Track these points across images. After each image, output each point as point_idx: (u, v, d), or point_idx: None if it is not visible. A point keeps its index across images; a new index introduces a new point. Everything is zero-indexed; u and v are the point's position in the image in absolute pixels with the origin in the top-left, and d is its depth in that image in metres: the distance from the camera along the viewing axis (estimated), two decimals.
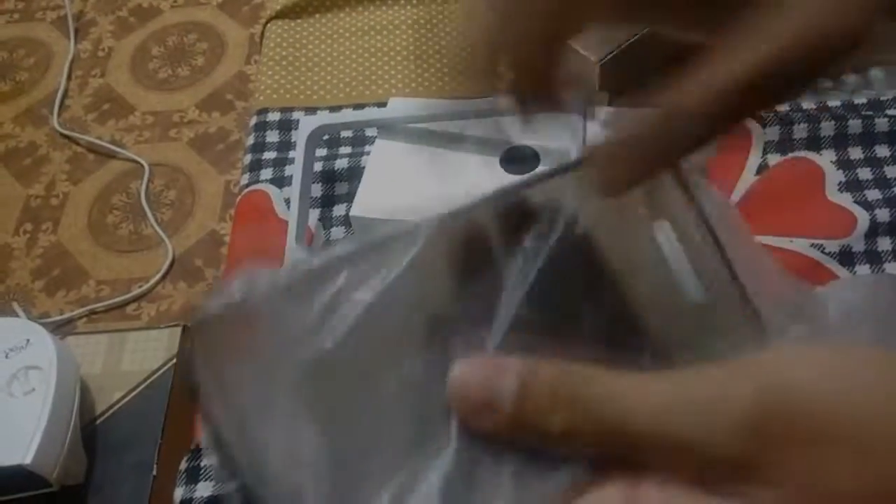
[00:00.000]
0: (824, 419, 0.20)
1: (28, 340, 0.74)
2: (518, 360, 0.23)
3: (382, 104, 0.76)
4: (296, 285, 0.23)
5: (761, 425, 0.20)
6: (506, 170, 0.61)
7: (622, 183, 0.26)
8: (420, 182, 0.59)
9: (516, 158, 0.60)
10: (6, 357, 0.72)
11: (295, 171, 0.61)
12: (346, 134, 0.74)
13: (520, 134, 0.61)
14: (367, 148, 0.72)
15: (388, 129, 0.63)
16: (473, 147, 0.62)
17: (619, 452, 0.22)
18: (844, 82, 0.74)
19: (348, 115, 0.69)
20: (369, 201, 0.58)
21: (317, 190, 0.70)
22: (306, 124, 0.63)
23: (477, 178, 0.59)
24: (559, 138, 0.61)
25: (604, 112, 0.68)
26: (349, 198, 0.70)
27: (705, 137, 0.25)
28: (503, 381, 0.22)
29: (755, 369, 0.21)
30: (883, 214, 0.64)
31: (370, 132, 0.75)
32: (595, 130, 0.65)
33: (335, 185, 0.71)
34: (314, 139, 0.63)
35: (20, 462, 0.65)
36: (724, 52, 0.25)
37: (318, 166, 0.71)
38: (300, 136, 0.63)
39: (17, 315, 1.48)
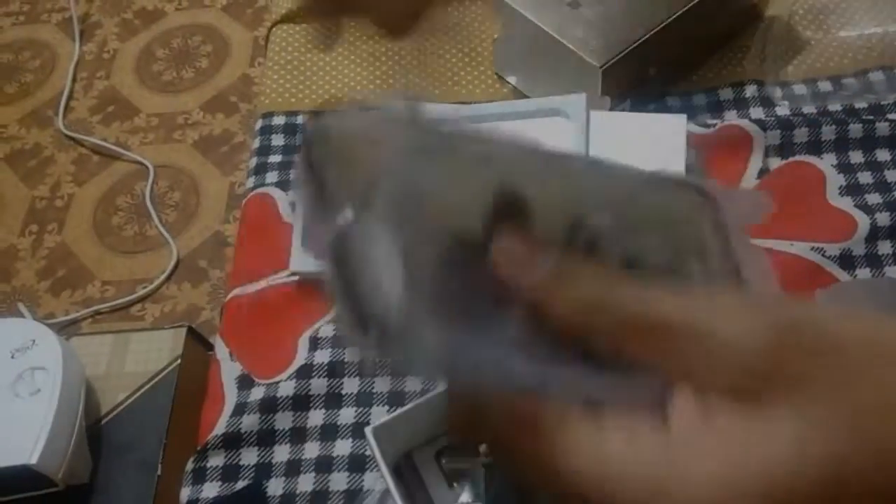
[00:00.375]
0: (844, 335, 0.22)
1: (34, 341, 0.74)
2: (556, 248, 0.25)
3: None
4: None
5: (789, 332, 0.22)
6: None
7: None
8: None
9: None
10: (12, 358, 0.73)
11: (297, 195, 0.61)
12: None
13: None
14: None
15: None
16: None
17: (639, 348, 0.23)
18: (845, 86, 0.74)
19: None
20: None
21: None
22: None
23: None
24: (564, 143, 0.61)
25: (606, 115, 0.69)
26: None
27: None
28: (546, 254, 0.25)
29: (781, 299, 0.24)
30: (883, 218, 0.65)
31: None
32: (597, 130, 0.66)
33: None
34: None
35: (26, 462, 0.65)
36: None
37: None
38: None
39: (22, 316, 1.49)
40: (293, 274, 0.63)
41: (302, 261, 0.56)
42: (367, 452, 0.57)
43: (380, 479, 0.55)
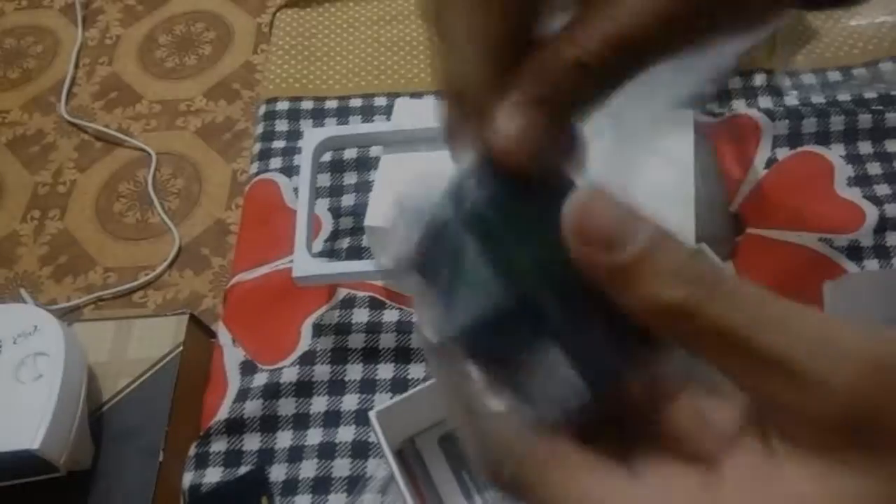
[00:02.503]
0: None
1: (36, 327, 0.74)
2: (653, 220, 0.21)
3: (392, 95, 0.76)
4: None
5: (891, 374, 0.18)
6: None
7: (530, 142, 0.23)
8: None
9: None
10: (14, 343, 0.73)
11: (301, 182, 0.61)
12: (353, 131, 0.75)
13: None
14: (372, 149, 0.72)
15: (392, 145, 0.63)
16: None
17: (725, 362, 0.20)
18: (855, 76, 0.74)
19: (353, 129, 0.69)
20: (382, 210, 0.59)
21: (325, 180, 0.71)
22: (311, 137, 0.63)
23: None
24: None
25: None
26: (358, 188, 0.70)
27: (606, 89, 0.23)
28: (637, 224, 0.20)
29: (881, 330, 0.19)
30: (892, 209, 0.64)
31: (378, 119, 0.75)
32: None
33: (344, 175, 0.71)
34: (319, 152, 0.63)
35: (28, 447, 0.65)
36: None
37: (326, 156, 0.71)
38: (305, 149, 0.62)
39: (24, 301, 1.49)
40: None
41: (304, 266, 0.56)
42: (370, 439, 0.57)
43: (383, 465, 0.55)
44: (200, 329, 0.92)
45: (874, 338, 0.19)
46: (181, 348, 0.86)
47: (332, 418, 0.58)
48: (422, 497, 0.50)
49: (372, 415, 0.46)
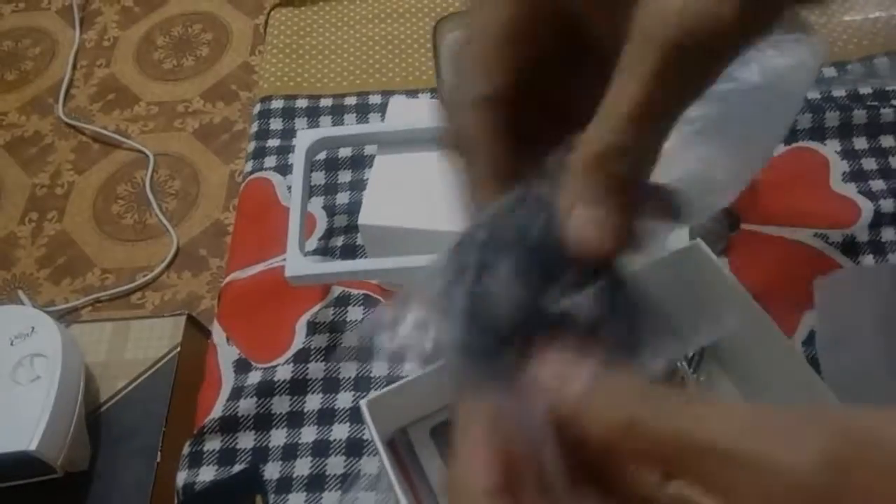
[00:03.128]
0: None
1: (33, 328, 0.74)
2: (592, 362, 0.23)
3: (386, 92, 0.76)
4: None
5: (849, 457, 0.19)
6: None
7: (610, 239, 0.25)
8: (423, 188, 0.59)
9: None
10: (11, 344, 0.73)
11: (294, 183, 0.61)
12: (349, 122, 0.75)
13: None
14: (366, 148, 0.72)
15: (386, 145, 0.63)
16: None
17: (676, 466, 0.21)
18: (849, 72, 0.74)
19: (345, 130, 0.69)
20: (375, 210, 0.59)
21: (319, 178, 0.70)
22: (304, 138, 0.63)
23: None
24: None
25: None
26: (352, 186, 0.70)
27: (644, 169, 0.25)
28: (576, 372, 0.23)
29: (838, 412, 0.20)
30: (887, 205, 0.64)
31: (372, 117, 0.75)
32: None
33: (338, 174, 0.71)
34: (312, 153, 0.63)
35: (25, 448, 0.65)
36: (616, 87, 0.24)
37: (321, 155, 0.71)
38: (298, 150, 0.63)
39: (22, 303, 1.49)
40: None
41: (296, 266, 0.56)
42: (365, 436, 0.57)
43: (375, 462, 0.55)
44: (198, 330, 0.92)
45: (819, 417, 0.20)
46: (179, 349, 0.86)
47: (326, 416, 0.58)
48: (413, 488, 0.50)
49: (363, 404, 0.46)
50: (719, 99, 0.52)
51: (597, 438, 0.22)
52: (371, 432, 0.46)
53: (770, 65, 0.53)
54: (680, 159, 0.53)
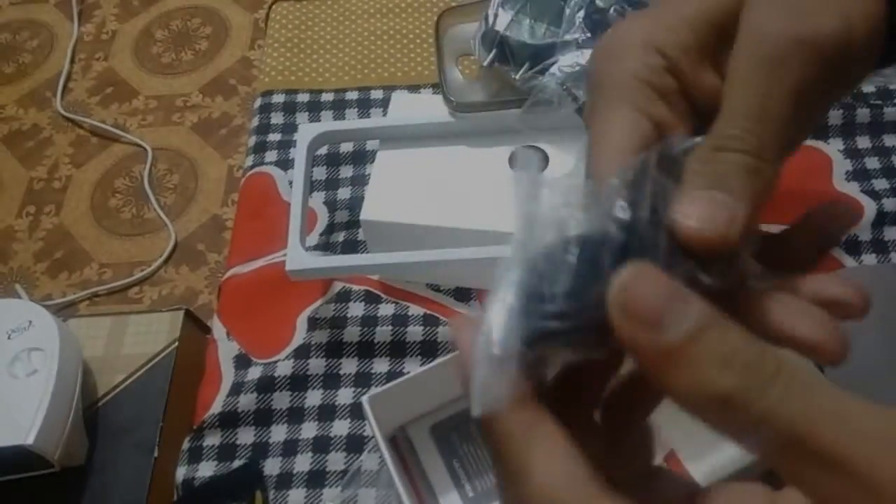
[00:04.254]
0: None
1: (30, 322, 0.73)
2: (704, 302, 0.20)
3: (388, 87, 0.76)
4: None
5: None
6: (513, 170, 0.60)
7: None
8: (425, 184, 0.59)
9: (524, 159, 0.60)
10: (9, 338, 0.72)
11: (295, 178, 0.60)
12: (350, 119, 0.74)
13: (529, 134, 0.61)
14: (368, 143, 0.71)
15: (388, 140, 0.63)
16: (479, 146, 0.61)
17: (777, 458, 0.19)
18: None
19: (347, 125, 0.68)
20: (377, 205, 0.59)
21: (321, 173, 0.70)
22: (305, 133, 0.62)
23: (483, 178, 0.59)
24: (569, 139, 0.60)
25: None
26: (354, 181, 0.70)
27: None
28: (684, 307, 0.19)
29: None
30: (890, 204, 0.64)
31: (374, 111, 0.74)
32: None
33: (340, 169, 0.71)
34: (313, 148, 0.63)
35: (22, 442, 0.65)
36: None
37: (322, 150, 0.70)
38: (299, 145, 0.62)
39: (19, 297, 1.48)
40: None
41: (297, 260, 0.56)
42: (365, 433, 0.57)
43: (374, 458, 0.55)
44: (196, 325, 0.92)
45: None
46: (176, 344, 0.85)
47: (326, 412, 0.58)
48: (413, 485, 0.49)
49: (364, 400, 0.46)
50: None
51: (683, 397, 0.19)
52: (373, 428, 0.46)
53: None
54: None
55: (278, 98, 0.77)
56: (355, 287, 0.63)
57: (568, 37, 0.59)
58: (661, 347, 0.19)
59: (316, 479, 0.55)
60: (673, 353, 0.19)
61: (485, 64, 0.61)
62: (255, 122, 0.75)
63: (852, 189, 0.66)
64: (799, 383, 0.19)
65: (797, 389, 0.19)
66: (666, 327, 0.19)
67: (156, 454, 0.77)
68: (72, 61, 1.91)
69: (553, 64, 0.58)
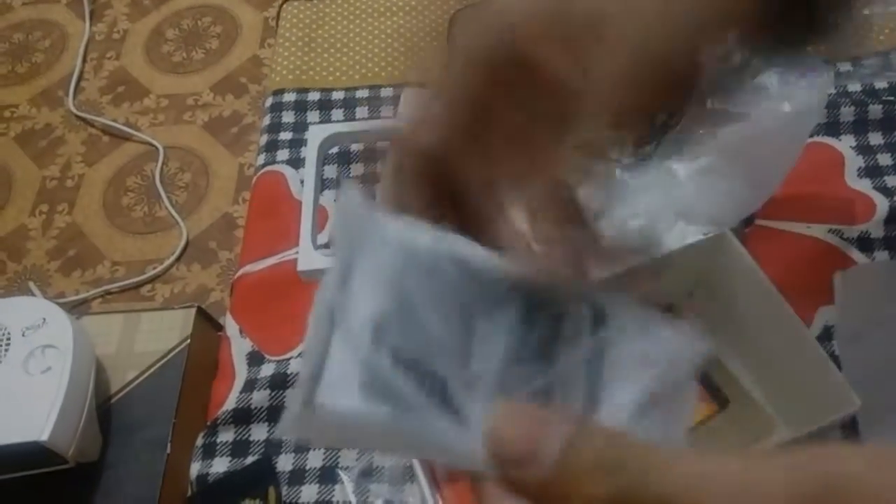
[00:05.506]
0: None
1: (44, 319, 0.74)
2: (564, 417, 0.22)
3: (398, 86, 0.76)
4: None
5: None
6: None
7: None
8: None
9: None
10: (23, 336, 0.73)
11: (306, 178, 0.61)
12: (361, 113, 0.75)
13: None
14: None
15: None
16: None
17: None
18: (865, 66, 0.73)
19: (358, 126, 0.69)
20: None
21: (332, 171, 0.70)
22: (316, 134, 0.63)
23: None
24: None
25: None
26: (365, 180, 0.70)
27: None
28: (548, 439, 0.21)
29: (804, 459, 0.20)
30: None
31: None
32: None
33: (351, 167, 0.71)
34: (324, 148, 0.63)
35: (37, 439, 0.65)
36: None
37: (334, 148, 0.71)
38: (310, 145, 0.62)
39: (33, 294, 1.49)
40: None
41: (309, 260, 0.56)
42: None
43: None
44: (208, 322, 0.92)
45: (787, 463, 0.20)
46: (188, 341, 0.86)
47: None
48: (437, 484, 0.50)
49: None
50: (727, 143, 0.53)
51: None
52: None
53: (780, 111, 0.54)
54: (687, 195, 0.54)
55: (289, 97, 0.77)
56: None
57: None
58: (539, 481, 0.21)
59: (328, 475, 0.56)
60: (551, 481, 0.21)
61: None
62: (267, 120, 0.76)
63: (864, 186, 0.65)
64: (669, 468, 0.20)
65: (668, 474, 0.20)
66: (535, 463, 0.21)
67: (168, 450, 0.77)
68: (84, 60, 1.92)
69: None
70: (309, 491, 0.55)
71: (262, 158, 0.73)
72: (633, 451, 0.21)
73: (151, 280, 1.55)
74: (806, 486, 0.19)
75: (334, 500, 0.54)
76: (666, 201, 0.56)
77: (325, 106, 0.76)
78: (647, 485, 0.20)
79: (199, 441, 0.58)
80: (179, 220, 1.61)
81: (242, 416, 0.58)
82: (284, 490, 0.55)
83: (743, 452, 0.21)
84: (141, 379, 0.82)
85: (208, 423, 0.59)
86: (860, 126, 0.68)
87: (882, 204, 0.64)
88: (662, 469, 0.20)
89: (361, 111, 0.75)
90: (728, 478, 0.20)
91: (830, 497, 0.19)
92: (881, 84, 0.71)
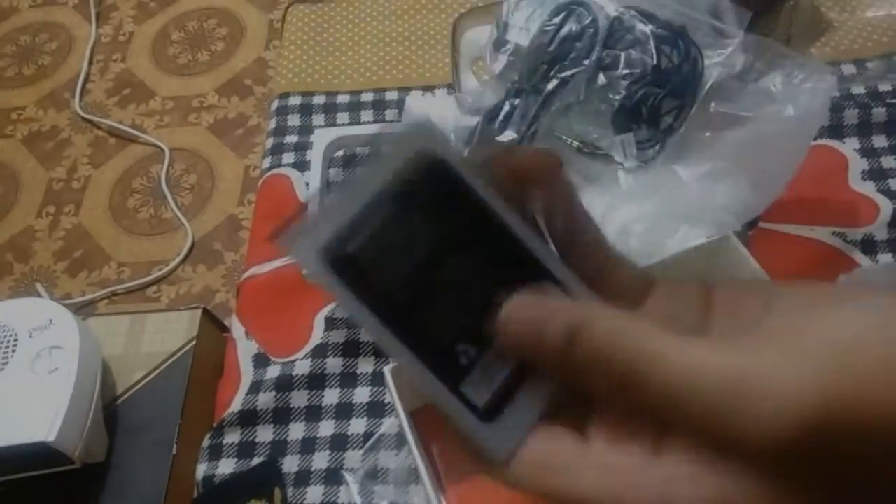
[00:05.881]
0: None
1: (51, 320, 0.74)
2: (570, 305, 0.23)
3: (403, 89, 0.77)
4: None
5: (821, 427, 0.18)
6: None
7: None
8: None
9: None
10: (30, 337, 0.73)
11: (312, 180, 0.61)
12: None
13: None
14: None
15: None
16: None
17: (649, 413, 0.21)
18: (869, 68, 0.73)
19: (363, 129, 0.69)
20: None
21: (337, 174, 0.71)
22: (321, 138, 0.63)
23: None
24: None
25: None
26: None
27: None
28: (552, 326, 0.22)
29: (817, 346, 0.19)
30: None
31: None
32: None
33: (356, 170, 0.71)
34: (329, 152, 0.64)
35: (43, 439, 0.66)
36: None
37: (339, 152, 0.71)
38: (315, 149, 0.63)
39: (40, 296, 1.50)
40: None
41: None
42: (382, 431, 0.57)
43: (393, 455, 0.55)
44: (213, 323, 0.92)
45: (792, 381, 0.19)
46: (194, 342, 0.86)
47: (344, 410, 0.59)
48: (433, 465, 0.50)
49: (387, 371, 0.46)
50: (731, 147, 0.53)
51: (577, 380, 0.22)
52: (394, 400, 0.46)
53: (784, 114, 0.54)
54: (691, 198, 0.54)
55: (295, 100, 0.77)
56: None
57: (579, 44, 0.59)
58: (545, 360, 0.23)
59: (334, 476, 0.56)
60: (553, 362, 0.23)
61: (495, 73, 0.62)
62: (273, 124, 0.76)
63: (868, 188, 0.65)
64: (658, 355, 0.21)
65: (655, 368, 0.21)
66: (543, 347, 0.23)
67: (174, 451, 0.77)
68: (90, 63, 1.93)
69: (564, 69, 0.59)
70: (314, 492, 0.55)
71: (267, 161, 0.73)
72: (632, 338, 0.21)
73: (157, 281, 1.55)
74: (828, 397, 0.18)
75: (339, 501, 0.55)
76: (670, 205, 0.56)
77: (330, 109, 0.76)
78: (646, 380, 0.21)
79: (205, 442, 0.59)
80: (185, 221, 1.62)
81: (248, 418, 0.59)
82: (290, 491, 0.55)
83: (743, 339, 0.21)
84: (147, 380, 0.82)
85: (214, 425, 0.59)
86: (864, 129, 0.68)
87: (886, 207, 0.64)
88: (660, 361, 0.20)
89: (366, 114, 0.75)
90: (726, 377, 0.20)
91: (847, 421, 0.18)
92: (885, 87, 0.71)
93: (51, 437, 0.66)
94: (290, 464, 0.57)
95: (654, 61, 0.61)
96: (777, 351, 0.20)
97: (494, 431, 0.23)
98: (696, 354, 0.20)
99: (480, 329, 0.24)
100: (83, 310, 1.48)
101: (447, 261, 0.24)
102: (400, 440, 0.54)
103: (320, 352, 0.61)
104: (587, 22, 0.60)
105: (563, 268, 0.25)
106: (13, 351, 0.71)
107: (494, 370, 0.24)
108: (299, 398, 0.59)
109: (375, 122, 0.74)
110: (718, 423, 0.20)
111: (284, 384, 0.59)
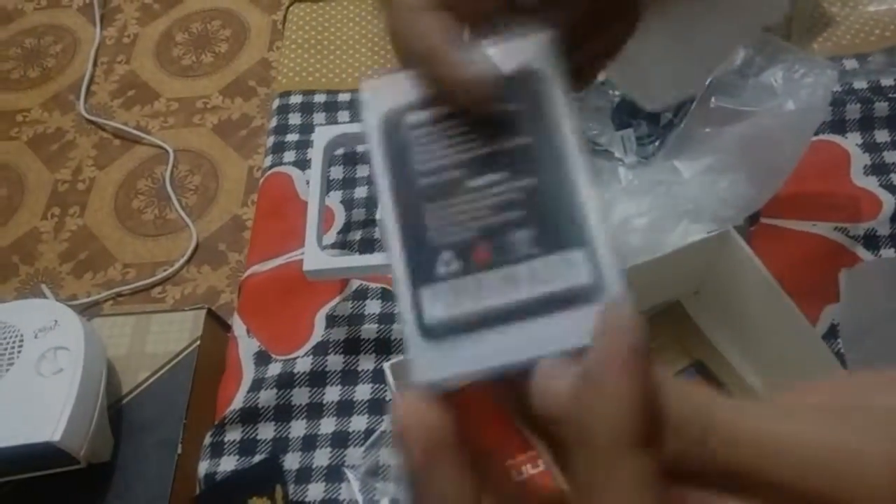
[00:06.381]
0: None
1: (56, 321, 0.75)
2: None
3: None
4: None
5: None
6: None
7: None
8: None
9: None
10: (35, 337, 0.73)
11: (312, 179, 0.61)
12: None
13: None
14: None
15: None
16: None
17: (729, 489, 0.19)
18: (871, 63, 0.73)
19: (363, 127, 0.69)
20: None
21: (338, 172, 0.71)
22: (321, 135, 0.63)
23: None
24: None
25: None
26: (370, 180, 0.70)
27: None
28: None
29: (885, 416, 0.19)
30: None
31: None
32: None
33: (356, 168, 0.71)
34: (330, 150, 0.64)
35: (49, 439, 0.66)
36: None
37: (339, 150, 0.71)
38: (316, 147, 0.63)
39: (45, 297, 1.51)
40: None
41: (314, 261, 0.56)
42: (383, 428, 0.57)
43: (394, 452, 0.55)
44: (218, 324, 0.93)
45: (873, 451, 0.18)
46: (199, 343, 0.86)
47: (345, 408, 0.59)
48: None
49: (386, 367, 0.46)
50: (731, 142, 0.53)
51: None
52: (393, 394, 0.46)
53: (784, 109, 0.54)
54: (692, 193, 0.54)
55: (296, 99, 0.77)
56: (372, 285, 0.64)
57: None
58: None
59: (335, 473, 0.56)
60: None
61: None
62: (274, 122, 0.76)
63: (871, 183, 0.65)
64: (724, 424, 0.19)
65: (725, 433, 0.19)
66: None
67: (179, 451, 0.78)
68: (94, 65, 1.94)
69: None
70: (315, 489, 0.56)
71: (268, 160, 0.74)
72: (694, 404, 0.19)
73: (162, 282, 1.56)
74: None
75: (340, 498, 0.55)
76: (670, 200, 0.56)
77: (331, 107, 0.76)
78: (712, 450, 0.19)
79: (207, 440, 0.59)
80: (189, 222, 1.62)
81: (250, 416, 0.59)
82: (291, 488, 0.56)
83: (817, 411, 0.19)
84: (152, 380, 0.83)
85: (216, 423, 0.59)
86: (866, 123, 0.68)
87: (888, 201, 0.64)
88: (727, 430, 0.19)
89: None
90: (811, 448, 0.19)
91: None
92: (887, 81, 0.71)
93: (56, 437, 0.66)
94: (292, 461, 0.57)
95: None
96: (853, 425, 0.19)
97: (429, 351, 0.22)
98: (769, 420, 0.19)
99: (477, 253, 0.22)
100: (88, 311, 1.49)
101: (487, 174, 0.23)
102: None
103: (321, 349, 0.61)
104: None
105: (606, 243, 0.22)
106: (19, 352, 0.72)
107: (471, 299, 0.22)
108: (300, 395, 0.59)
109: None
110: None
111: (286, 382, 0.60)
